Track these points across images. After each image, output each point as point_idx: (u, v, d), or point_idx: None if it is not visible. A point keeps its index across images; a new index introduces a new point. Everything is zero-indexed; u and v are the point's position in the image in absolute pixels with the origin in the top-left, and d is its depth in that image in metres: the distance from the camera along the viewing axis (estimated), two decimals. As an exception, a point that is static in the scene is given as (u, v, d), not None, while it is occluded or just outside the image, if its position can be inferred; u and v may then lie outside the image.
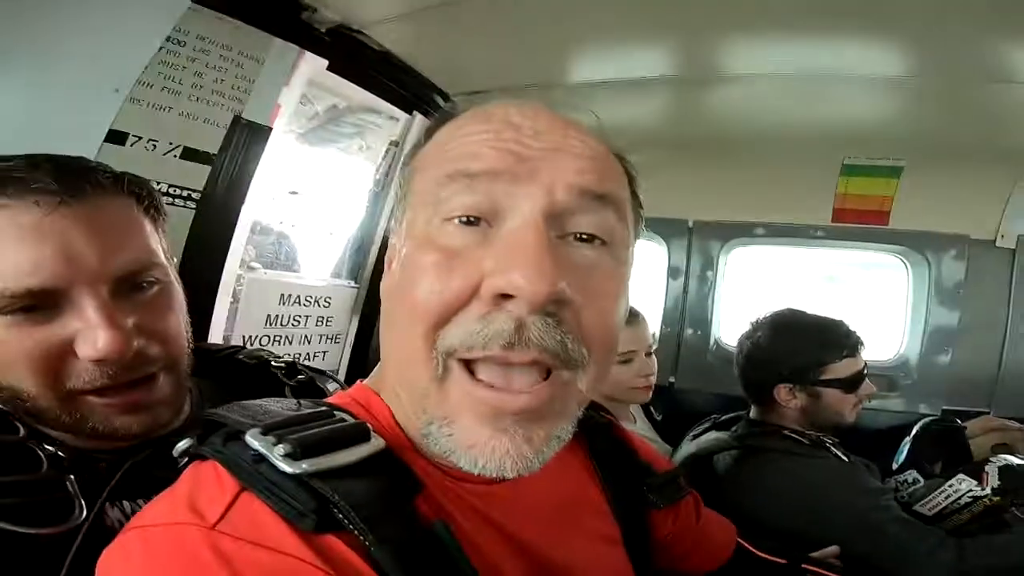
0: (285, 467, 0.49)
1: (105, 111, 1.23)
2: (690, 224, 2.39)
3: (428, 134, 0.66)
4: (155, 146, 1.32)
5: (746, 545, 1.05)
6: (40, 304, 0.71)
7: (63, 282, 0.71)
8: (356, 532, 0.47)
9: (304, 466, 0.49)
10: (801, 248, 2.38)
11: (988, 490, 1.42)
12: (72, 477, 0.70)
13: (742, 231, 2.36)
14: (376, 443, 0.55)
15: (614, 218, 0.58)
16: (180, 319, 0.86)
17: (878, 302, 2.36)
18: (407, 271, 0.57)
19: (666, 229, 2.42)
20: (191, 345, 0.89)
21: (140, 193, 0.82)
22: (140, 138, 1.29)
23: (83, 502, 0.69)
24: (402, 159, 0.68)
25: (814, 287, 2.41)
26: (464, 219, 0.55)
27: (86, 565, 0.47)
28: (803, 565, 1.10)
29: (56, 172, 0.73)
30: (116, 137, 1.25)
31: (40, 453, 0.71)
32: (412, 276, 0.55)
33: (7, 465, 0.67)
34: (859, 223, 2.19)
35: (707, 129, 2.09)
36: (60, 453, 0.72)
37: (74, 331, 0.72)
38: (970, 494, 1.43)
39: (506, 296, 0.51)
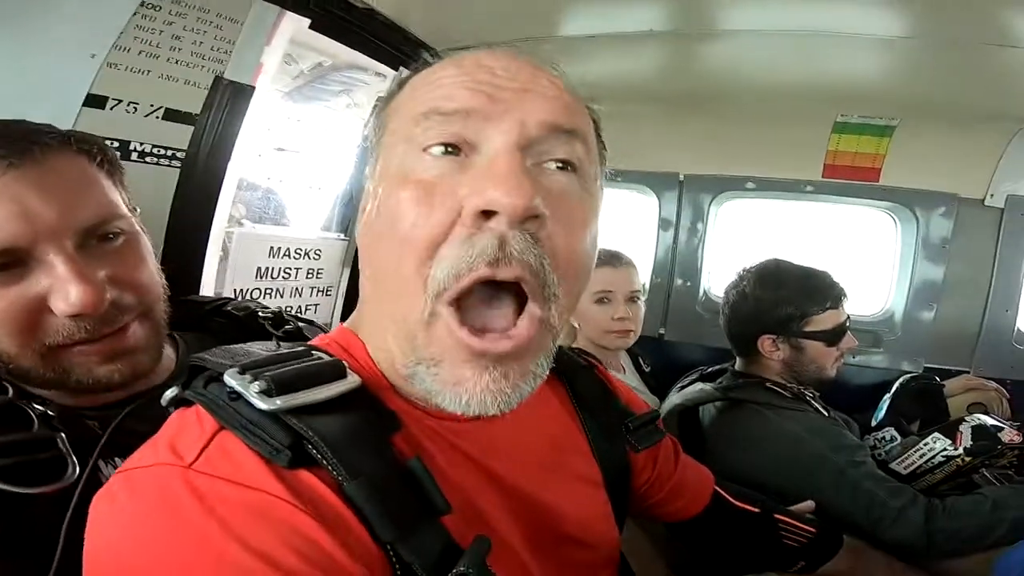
0: (259, 403, 0.51)
1: (82, 76, 1.22)
2: (681, 177, 2.38)
3: (401, 84, 0.67)
4: (136, 108, 1.32)
5: (722, 493, 1.08)
6: (7, 264, 0.72)
7: (24, 241, 0.72)
8: (329, 468, 0.49)
9: (278, 402, 0.51)
10: (791, 202, 2.38)
11: (961, 450, 1.45)
12: (63, 435, 0.72)
13: (733, 184, 2.35)
14: (352, 380, 0.57)
15: (582, 150, 0.60)
16: (150, 266, 0.88)
17: (866, 257, 2.37)
18: (387, 210, 0.58)
19: (657, 182, 2.41)
20: (166, 292, 0.91)
21: (90, 150, 0.82)
22: (120, 101, 1.29)
23: (75, 460, 0.71)
24: (374, 108, 0.69)
25: (803, 241, 2.41)
26: (440, 148, 0.56)
27: (82, 523, 0.50)
28: (774, 515, 1.14)
29: (2, 140, 0.73)
30: (96, 101, 1.25)
31: (30, 413, 0.73)
32: (393, 213, 0.56)
33: (1, 425, 0.70)
34: (849, 179, 2.18)
35: (699, 84, 2.05)
36: (49, 412, 0.74)
37: (46, 288, 0.74)
38: (943, 454, 1.47)
39: (486, 214, 0.53)
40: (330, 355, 0.61)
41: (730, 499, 1.09)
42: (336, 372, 0.57)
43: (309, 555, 0.45)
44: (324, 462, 0.50)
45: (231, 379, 0.53)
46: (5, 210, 0.71)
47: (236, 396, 0.53)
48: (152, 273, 0.88)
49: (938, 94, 1.87)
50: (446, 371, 0.56)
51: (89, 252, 0.78)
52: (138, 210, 0.91)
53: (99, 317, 0.77)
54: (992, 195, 2.07)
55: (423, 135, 0.57)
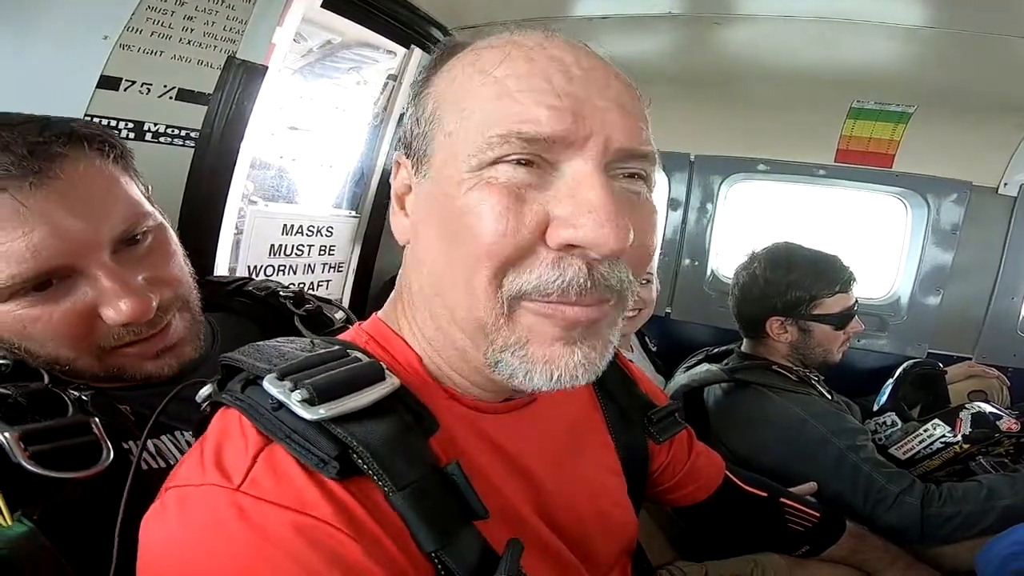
0: (304, 413, 0.51)
1: (95, 58, 1.23)
2: (692, 158, 2.37)
3: (436, 63, 0.64)
4: (149, 89, 1.32)
5: (733, 478, 1.10)
6: (53, 281, 0.75)
7: (65, 258, 0.74)
8: (375, 478, 0.51)
9: (321, 411, 0.51)
10: (802, 186, 2.37)
11: (959, 437, 1.48)
12: (97, 420, 0.74)
13: (744, 166, 2.34)
14: (391, 382, 0.57)
15: (650, 159, 0.60)
16: (179, 257, 0.90)
17: (875, 242, 2.37)
18: (465, 214, 0.55)
19: (668, 162, 2.39)
20: (195, 278, 0.93)
21: (102, 148, 0.82)
22: (133, 82, 1.29)
23: (110, 445, 0.73)
24: (412, 91, 0.65)
25: (813, 224, 2.40)
26: (517, 160, 0.54)
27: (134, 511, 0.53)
28: (781, 499, 1.16)
29: (14, 155, 0.72)
30: (109, 83, 1.26)
31: (65, 398, 0.75)
32: (474, 219, 0.54)
33: (36, 412, 0.72)
34: (862, 165, 2.17)
35: (715, 67, 2.02)
36: (83, 396, 0.76)
37: (93, 298, 0.77)
38: (942, 440, 1.50)
39: (575, 245, 0.53)
40: (367, 354, 0.62)
41: (740, 484, 1.11)
42: (375, 374, 0.57)
43: (354, 574, 0.47)
44: (370, 472, 0.51)
45: (272, 387, 0.53)
46: (38, 232, 0.72)
47: (278, 405, 0.53)
48: (181, 263, 0.90)
49: (955, 83, 1.85)
50: (535, 350, 0.56)
51: (125, 258, 0.80)
52: (151, 188, 0.92)
53: (147, 321, 0.80)
54: (1006, 184, 2.07)
55: (499, 148, 0.54)
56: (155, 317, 0.81)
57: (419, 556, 0.51)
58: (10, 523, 0.64)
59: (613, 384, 0.88)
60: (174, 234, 0.92)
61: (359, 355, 0.60)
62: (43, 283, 0.75)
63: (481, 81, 0.57)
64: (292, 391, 0.52)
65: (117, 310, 0.76)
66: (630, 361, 1.02)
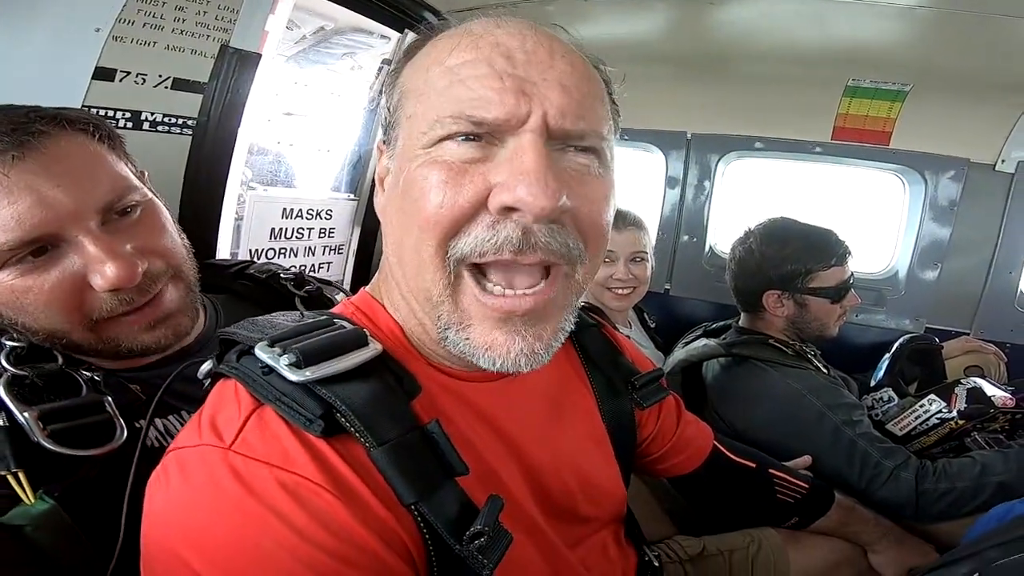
0: (291, 376, 0.55)
1: (89, 50, 1.24)
2: (689, 136, 2.38)
3: (409, 52, 0.69)
4: (144, 80, 1.34)
5: (721, 448, 1.13)
6: (43, 248, 0.77)
7: (49, 227, 0.76)
8: (357, 435, 0.55)
9: (307, 374, 0.55)
10: (799, 163, 2.37)
11: (954, 413, 1.49)
12: (110, 399, 0.78)
13: (740, 144, 2.34)
14: (374, 348, 0.62)
15: (599, 132, 0.64)
16: (171, 230, 0.92)
17: (873, 217, 2.37)
18: (411, 188, 0.61)
19: (665, 140, 2.41)
20: (190, 252, 0.96)
21: (87, 128, 0.84)
22: (128, 73, 1.31)
23: (123, 423, 0.77)
24: (387, 82, 0.72)
25: (811, 201, 2.40)
26: (464, 136, 0.59)
27: (142, 482, 0.57)
28: (770, 470, 1.19)
29: None
30: (104, 74, 1.27)
31: (79, 379, 0.79)
32: (418, 193, 0.60)
33: (52, 392, 0.76)
34: (859, 142, 2.17)
35: (711, 46, 2.01)
36: (96, 377, 0.80)
37: (81, 267, 0.79)
38: (938, 416, 1.51)
39: (512, 208, 0.57)
40: (352, 323, 0.66)
41: (728, 454, 1.13)
42: (359, 340, 0.62)
43: (334, 531, 0.51)
44: (352, 430, 0.55)
45: (262, 353, 0.58)
46: (23, 202, 0.75)
47: (269, 370, 0.57)
48: (173, 236, 0.92)
49: (952, 62, 1.84)
50: (476, 334, 0.61)
51: (113, 228, 0.82)
52: (147, 174, 0.95)
53: (136, 288, 0.82)
54: (1003, 161, 2.06)
55: (450, 127, 0.59)
56: (144, 284, 0.83)
57: (401, 510, 0.55)
58: (33, 501, 0.67)
59: (598, 353, 0.91)
60: (167, 212, 0.94)
61: (345, 324, 0.65)
62: (37, 251, 0.77)
63: (436, 69, 0.62)
64: (281, 356, 0.57)
65: (103, 275, 0.78)
66: (627, 337, 1.04)
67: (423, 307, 0.64)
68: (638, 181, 2.56)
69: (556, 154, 0.60)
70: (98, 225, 0.80)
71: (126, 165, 0.89)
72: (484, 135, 0.59)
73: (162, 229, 0.90)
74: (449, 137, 0.59)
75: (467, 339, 0.61)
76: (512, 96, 0.58)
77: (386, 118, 0.70)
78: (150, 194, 0.91)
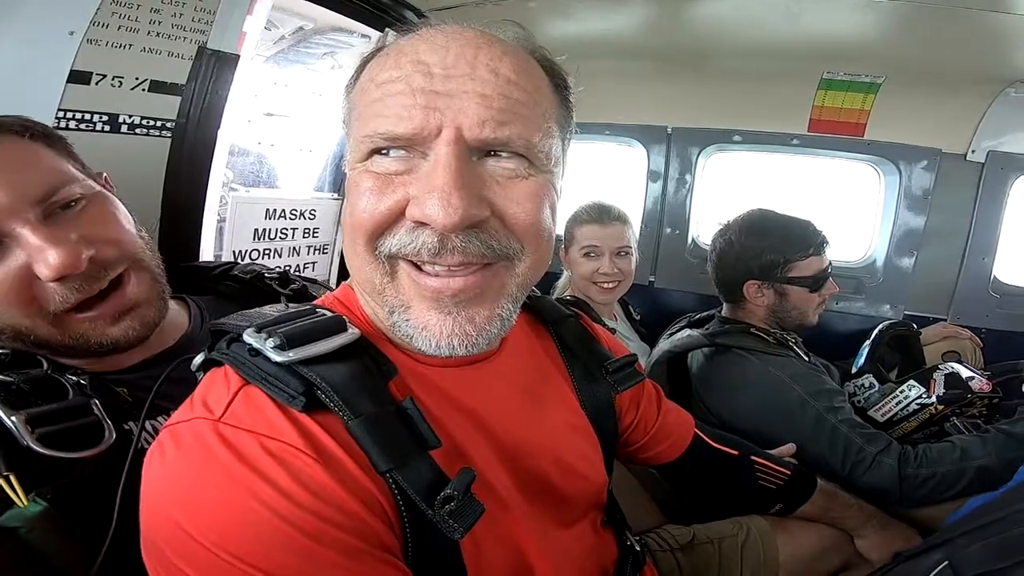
0: (275, 357, 0.59)
1: (63, 54, 1.23)
2: (669, 130, 2.41)
3: (357, 72, 0.72)
4: (121, 83, 1.32)
5: (702, 436, 1.14)
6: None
7: None
8: (336, 409, 0.59)
9: (290, 355, 0.60)
10: (777, 155, 2.41)
11: (933, 398, 1.52)
12: (97, 402, 0.79)
13: (720, 137, 2.38)
14: (352, 333, 0.66)
15: (526, 136, 0.64)
16: (123, 221, 0.92)
17: (850, 207, 2.42)
18: (350, 193, 0.66)
19: (646, 135, 2.44)
20: (148, 246, 0.95)
21: (16, 130, 0.85)
22: (104, 76, 1.30)
23: (111, 424, 0.78)
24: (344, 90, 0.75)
25: (789, 192, 2.44)
26: (386, 150, 0.63)
27: (135, 483, 0.58)
28: (751, 457, 1.20)
29: None
30: (80, 77, 1.26)
31: (65, 383, 0.79)
32: (354, 198, 0.65)
33: (39, 396, 0.76)
34: (835, 134, 2.22)
35: (688, 40, 2.04)
36: (82, 380, 0.81)
37: (26, 259, 0.79)
38: (918, 401, 1.55)
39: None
40: (332, 312, 0.69)
41: (709, 441, 1.15)
42: (338, 326, 0.66)
43: (316, 492, 0.54)
44: (331, 405, 0.59)
45: (249, 337, 0.62)
46: None
47: (256, 352, 0.61)
48: (126, 227, 0.92)
49: (923, 54, 1.88)
50: (415, 316, 0.65)
51: (56, 220, 0.82)
52: (104, 175, 0.95)
53: (85, 275, 0.82)
54: (974, 151, 2.12)
55: (373, 142, 0.63)
56: (92, 271, 0.83)
57: (379, 478, 0.58)
58: (26, 503, 0.68)
59: (574, 341, 0.93)
60: (122, 207, 0.94)
61: (325, 312, 0.69)
62: None
63: (369, 87, 0.65)
64: (267, 339, 0.61)
65: (46, 262, 0.78)
66: (614, 330, 1.05)
67: (372, 296, 0.69)
68: (621, 175, 2.59)
69: (479, 162, 0.63)
70: (38, 217, 0.80)
71: (67, 162, 0.89)
72: (409, 147, 0.62)
73: (111, 219, 0.90)
74: (377, 151, 0.63)
75: (407, 320, 0.65)
76: (420, 112, 0.60)
77: (344, 122, 0.73)
78: (97, 187, 0.91)
